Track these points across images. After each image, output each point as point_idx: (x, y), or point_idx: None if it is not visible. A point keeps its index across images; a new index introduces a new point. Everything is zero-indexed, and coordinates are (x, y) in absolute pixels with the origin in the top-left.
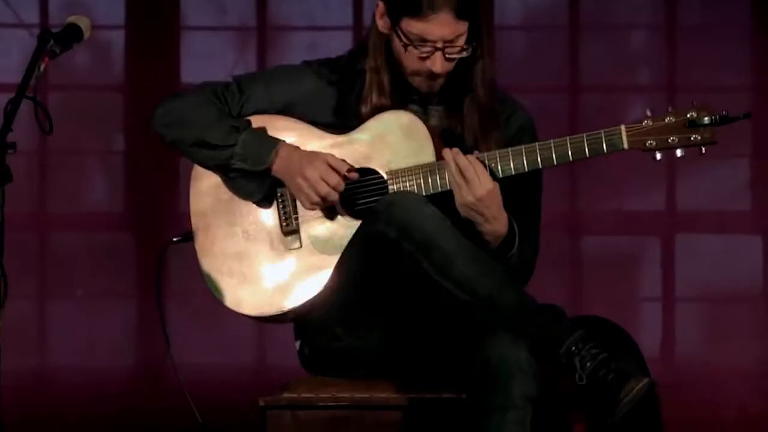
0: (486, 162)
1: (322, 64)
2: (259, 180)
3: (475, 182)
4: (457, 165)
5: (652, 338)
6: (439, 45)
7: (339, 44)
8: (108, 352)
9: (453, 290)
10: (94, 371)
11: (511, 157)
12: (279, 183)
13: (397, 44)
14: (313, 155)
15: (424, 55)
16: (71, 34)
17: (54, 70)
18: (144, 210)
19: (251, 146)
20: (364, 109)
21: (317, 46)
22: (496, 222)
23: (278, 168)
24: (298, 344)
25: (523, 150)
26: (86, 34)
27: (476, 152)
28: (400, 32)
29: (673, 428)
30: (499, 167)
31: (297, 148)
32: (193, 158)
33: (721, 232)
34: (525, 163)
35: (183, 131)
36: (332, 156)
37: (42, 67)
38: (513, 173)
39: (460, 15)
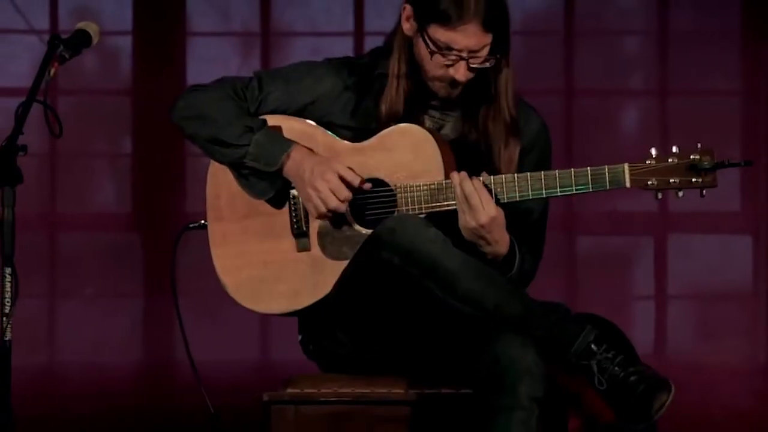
0: (492, 187)
1: (344, 64)
2: (271, 180)
3: (479, 209)
4: (462, 191)
5: (645, 336)
6: (464, 54)
7: (341, 49)
8: (115, 350)
9: (460, 307)
10: (102, 368)
11: (516, 184)
12: (291, 184)
13: (421, 49)
14: (325, 164)
15: (449, 62)
16: (80, 40)
17: (63, 74)
18: (151, 211)
19: (264, 147)
20: (384, 110)
21: (319, 51)
22: (497, 245)
23: (289, 170)
24: (301, 337)
25: (529, 178)
26: (95, 40)
27: (484, 174)
28: (426, 38)
29: (665, 423)
30: (505, 193)
31: (310, 152)
32: (207, 153)
33: (712, 233)
34: (530, 191)
35: (200, 126)
36: (344, 167)
37: (52, 72)
38: (518, 199)
39: (487, 27)
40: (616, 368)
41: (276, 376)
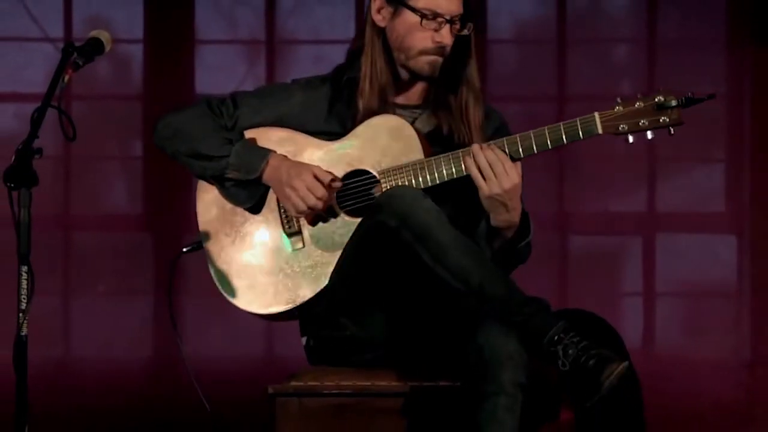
0: (506, 149)
1: (311, 79)
2: (251, 188)
3: (504, 176)
4: (486, 160)
5: (633, 331)
6: (448, 17)
7: (342, 56)
8: (126, 345)
9: (447, 278)
10: (114, 362)
11: (519, 141)
12: (269, 190)
13: (401, 28)
14: (301, 167)
15: (436, 27)
16: (93, 48)
17: (77, 80)
18: (161, 212)
19: (243, 156)
20: (361, 105)
21: (322, 59)
22: (514, 212)
23: (268, 176)
24: (304, 340)
25: (505, 141)
26: (107, 48)
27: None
28: (413, 9)
29: (653, 414)
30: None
31: (286, 158)
32: (190, 169)
33: (698, 232)
34: (507, 152)
35: (180, 143)
36: (318, 168)
37: (66, 78)
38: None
39: None
40: (579, 352)
41: (280, 371)
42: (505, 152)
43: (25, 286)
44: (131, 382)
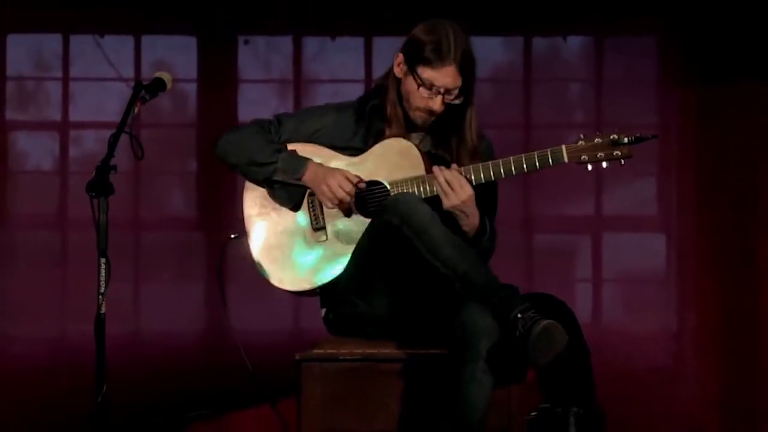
0: (463, 173)
1: (341, 104)
2: (292, 192)
3: (459, 191)
4: (444, 178)
5: (584, 310)
6: (441, 90)
7: (354, 92)
8: (184, 321)
9: (439, 267)
10: (174, 335)
11: (481, 169)
12: (305, 195)
13: (408, 85)
14: (334, 170)
15: (430, 96)
16: (157, 86)
17: (145, 112)
18: (210, 215)
19: (289, 162)
20: (388, 132)
21: (338, 94)
22: (473, 218)
23: (307, 178)
24: (323, 312)
25: (491, 165)
26: (168, 86)
27: (453, 166)
28: (416, 76)
29: (599, 375)
30: (473, 177)
31: (321, 164)
32: (246, 174)
33: (635, 231)
34: (492, 173)
35: (239, 154)
36: (347, 171)
37: (136, 110)
38: (483, 181)
39: (461, 72)
40: (533, 323)
41: (305, 341)
42: (470, 174)
43: (103, 274)
44: (188, 351)
